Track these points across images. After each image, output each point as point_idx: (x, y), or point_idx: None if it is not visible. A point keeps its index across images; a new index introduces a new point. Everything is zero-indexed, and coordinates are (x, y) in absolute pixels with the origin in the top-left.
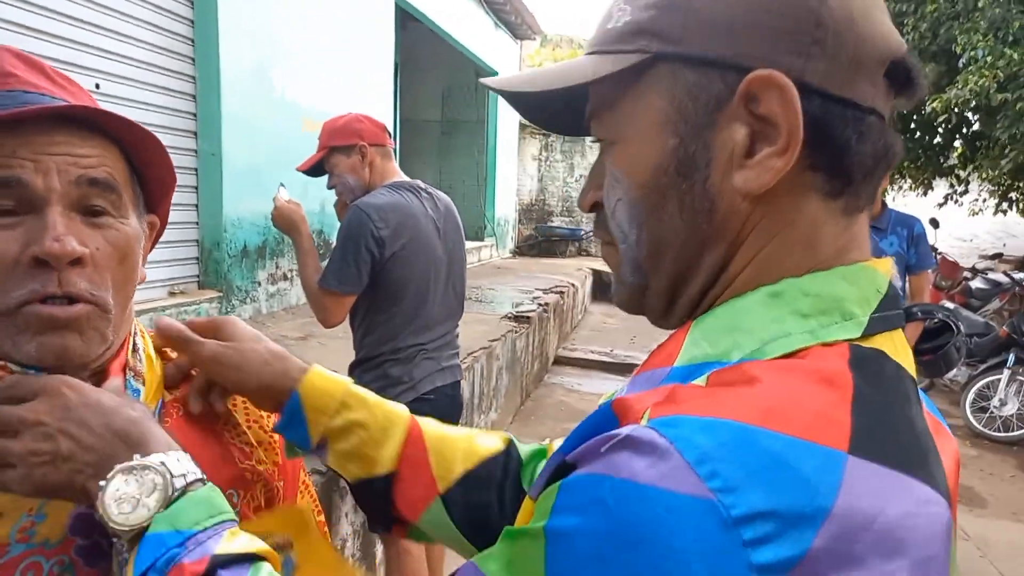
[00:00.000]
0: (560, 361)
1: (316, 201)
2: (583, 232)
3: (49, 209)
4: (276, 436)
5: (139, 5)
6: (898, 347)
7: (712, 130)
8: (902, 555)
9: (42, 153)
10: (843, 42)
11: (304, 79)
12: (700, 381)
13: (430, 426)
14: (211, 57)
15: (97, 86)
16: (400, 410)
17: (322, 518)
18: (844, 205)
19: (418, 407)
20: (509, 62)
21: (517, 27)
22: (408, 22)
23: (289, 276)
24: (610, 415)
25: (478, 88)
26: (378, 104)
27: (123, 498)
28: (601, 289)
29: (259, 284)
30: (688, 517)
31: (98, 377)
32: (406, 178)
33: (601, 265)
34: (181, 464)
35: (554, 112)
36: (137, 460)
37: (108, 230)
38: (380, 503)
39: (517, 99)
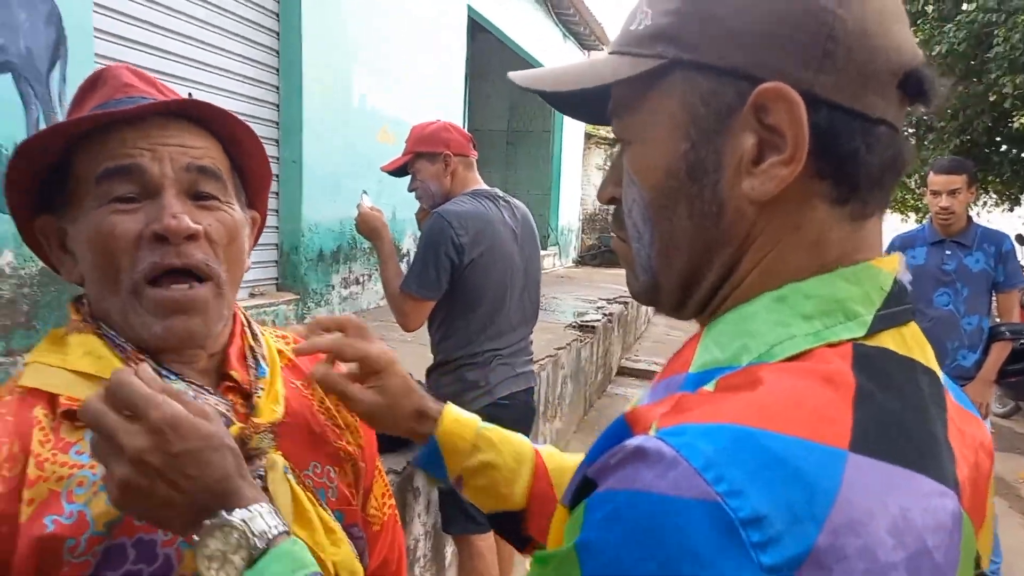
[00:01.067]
0: (623, 372)
1: (387, 208)
2: None
3: (165, 193)
4: (359, 420)
5: (228, 18)
6: (909, 342)
7: (723, 137)
8: (903, 546)
9: (158, 144)
10: (855, 55)
11: (380, 90)
12: (710, 386)
13: (551, 458)
14: (294, 68)
15: (190, 94)
16: (525, 445)
17: (395, 512)
18: (851, 211)
19: (494, 412)
20: None
21: (585, 37)
22: (477, 33)
23: (361, 280)
24: (624, 426)
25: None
26: (449, 114)
27: (213, 555)
28: None
29: (333, 287)
30: (699, 522)
31: (218, 360)
32: (486, 187)
33: None
34: (264, 519)
35: (581, 102)
36: (224, 517)
37: (217, 211)
38: (514, 530)
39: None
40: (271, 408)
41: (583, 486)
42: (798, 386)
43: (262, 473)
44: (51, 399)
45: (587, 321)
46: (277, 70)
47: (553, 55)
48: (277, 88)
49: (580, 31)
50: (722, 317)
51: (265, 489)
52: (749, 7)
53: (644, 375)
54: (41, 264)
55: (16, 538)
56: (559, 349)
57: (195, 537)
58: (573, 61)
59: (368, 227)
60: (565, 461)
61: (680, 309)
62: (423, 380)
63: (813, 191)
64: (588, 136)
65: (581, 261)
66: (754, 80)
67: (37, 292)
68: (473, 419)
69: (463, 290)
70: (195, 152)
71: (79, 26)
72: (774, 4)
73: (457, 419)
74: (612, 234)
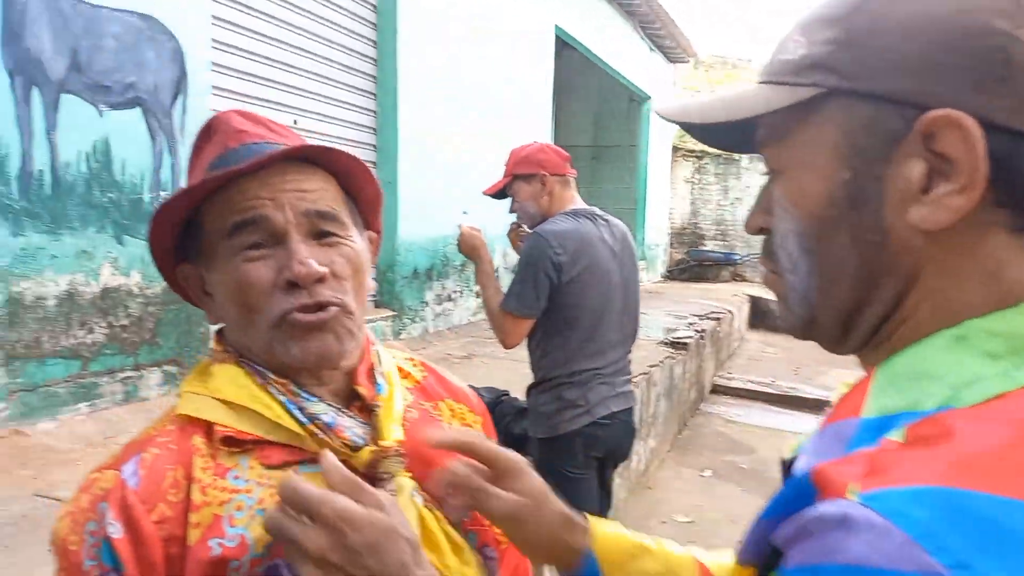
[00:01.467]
0: (717, 390)
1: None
2: (738, 257)
3: (291, 239)
4: None
5: (331, 47)
6: None
7: (886, 165)
8: None
9: (277, 192)
10: None
11: (472, 111)
12: (897, 435)
13: (712, 561)
14: (389, 94)
15: (295, 122)
16: (682, 553)
17: None
18: None
19: (593, 431)
20: (663, 86)
21: (672, 51)
22: (562, 50)
23: (453, 297)
24: (808, 487)
25: (630, 113)
26: (536, 131)
27: None
28: (759, 316)
29: (427, 304)
30: None
31: (348, 379)
32: (585, 205)
33: (759, 291)
34: None
35: (722, 132)
36: None
37: (339, 247)
38: None
39: (687, 125)
40: (389, 426)
41: (771, 557)
42: (1000, 436)
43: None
44: (208, 427)
45: (679, 338)
46: (374, 95)
47: (639, 69)
48: (375, 112)
49: (667, 44)
50: (895, 357)
51: None
52: (915, 33)
53: (739, 393)
54: (163, 284)
55: (185, 560)
56: (652, 366)
57: None
58: (719, 93)
59: (468, 246)
60: (723, 562)
61: (840, 344)
62: (520, 398)
63: (990, 220)
64: (675, 149)
65: (669, 276)
66: (921, 107)
67: (160, 311)
68: (620, 527)
69: (562, 308)
70: (311, 196)
71: (199, 61)
72: (943, 28)
73: (606, 529)
74: (761, 267)
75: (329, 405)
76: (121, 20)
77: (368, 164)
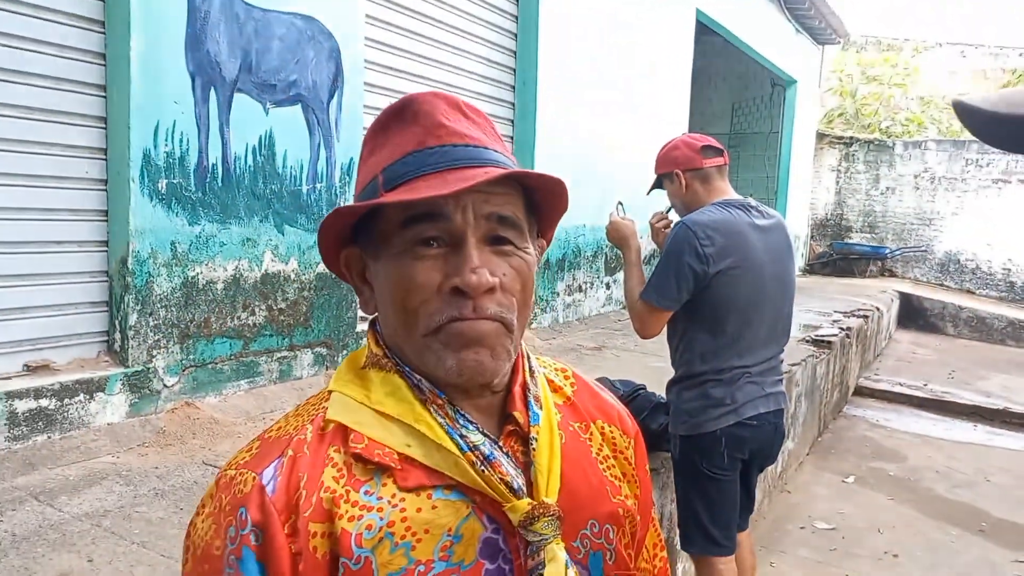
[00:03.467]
0: (861, 392)
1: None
2: (888, 251)
3: (466, 243)
4: (636, 468)
5: (473, 41)
6: None
7: None
8: None
9: (465, 193)
10: None
11: (609, 102)
12: None
13: None
14: (530, 84)
15: None
16: None
17: (666, 564)
18: None
19: (739, 432)
20: (809, 69)
21: (820, 32)
22: (700, 35)
23: (584, 288)
24: None
25: (773, 98)
26: (674, 120)
27: None
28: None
29: (558, 295)
30: None
31: (501, 399)
32: (737, 196)
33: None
34: None
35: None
36: None
37: (512, 258)
38: None
39: (978, 119)
40: (550, 478)
41: None
42: None
43: (542, 571)
44: (345, 439)
45: (823, 336)
46: (513, 87)
47: (784, 52)
48: (513, 104)
49: (815, 24)
50: None
51: None
52: None
53: (886, 396)
54: (317, 271)
55: (301, 562)
56: (794, 365)
57: None
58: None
59: (618, 234)
60: None
61: None
62: (656, 392)
63: None
64: (821, 136)
65: (810, 270)
66: None
67: (314, 295)
68: None
69: (709, 303)
70: (497, 200)
71: (354, 59)
72: None
73: None
74: None
75: (484, 435)
76: (286, 22)
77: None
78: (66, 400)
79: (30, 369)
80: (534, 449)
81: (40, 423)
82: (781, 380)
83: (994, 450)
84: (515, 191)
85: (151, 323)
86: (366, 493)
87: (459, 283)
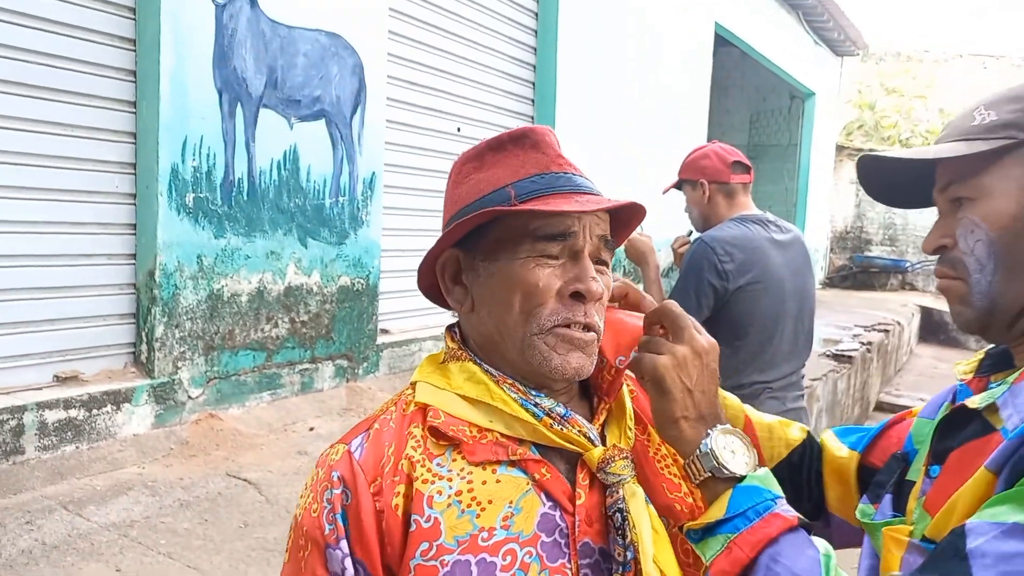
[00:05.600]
0: (882, 407)
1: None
2: (908, 264)
3: (584, 257)
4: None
5: (493, 55)
6: None
7: None
8: None
9: (585, 213)
10: None
11: (629, 116)
12: None
13: (757, 416)
14: (548, 98)
15: (459, 129)
16: (733, 400)
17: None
18: None
19: None
20: (828, 81)
21: (839, 43)
22: (718, 47)
23: None
24: None
25: (791, 110)
26: (693, 132)
27: (727, 447)
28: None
29: None
30: None
31: (572, 394)
32: (756, 211)
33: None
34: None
35: (902, 187)
36: (731, 427)
37: (604, 276)
38: None
39: (874, 169)
40: (624, 427)
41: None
42: None
43: (622, 506)
44: (424, 418)
45: (843, 350)
46: (532, 100)
47: (802, 64)
48: (532, 119)
49: (834, 36)
50: None
51: (626, 518)
52: None
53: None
54: (339, 283)
55: (384, 519)
56: (814, 380)
57: (710, 431)
58: (914, 149)
59: (636, 251)
60: (764, 420)
61: (1007, 331)
62: None
63: None
64: (840, 148)
65: (829, 283)
66: None
67: (336, 308)
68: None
69: (729, 318)
70: (603, 226)
71: (376, 74)
72: None
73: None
74: (938, 277)
75: (557, 400)
76: (311, 39)
77: None
78: (94, 411)
79: (60, 380)
80: (611, 410)
81: (69, 433)
82: (802, 395)
83: None
84: (608, 216)
85: (177, 335)
86: (439, 464)
87: (582, 288)
